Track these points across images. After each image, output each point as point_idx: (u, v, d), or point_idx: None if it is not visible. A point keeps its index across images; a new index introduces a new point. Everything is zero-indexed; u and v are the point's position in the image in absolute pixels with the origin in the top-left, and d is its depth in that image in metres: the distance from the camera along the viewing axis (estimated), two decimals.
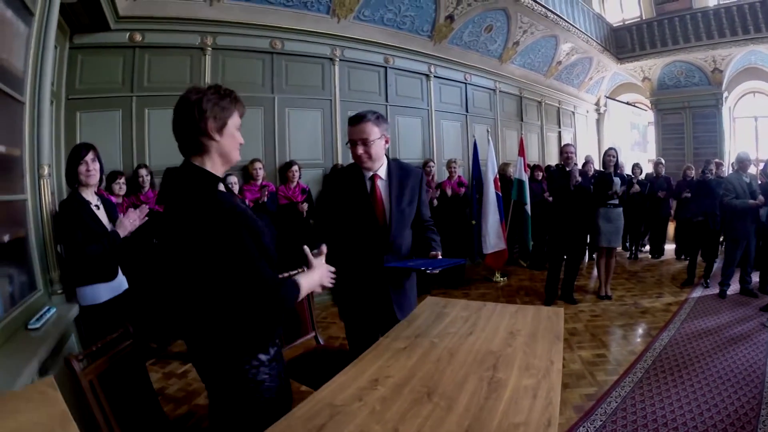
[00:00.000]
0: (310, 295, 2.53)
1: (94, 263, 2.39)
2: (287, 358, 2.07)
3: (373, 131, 2.05)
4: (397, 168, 2.21)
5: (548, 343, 1.80)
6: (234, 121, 1.45)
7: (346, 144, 2.13)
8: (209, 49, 5.01)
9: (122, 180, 3.96)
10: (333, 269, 1.66)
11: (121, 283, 2.63)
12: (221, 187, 1.46)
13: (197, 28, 4.94)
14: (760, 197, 5.11)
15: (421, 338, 1.85)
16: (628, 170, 7.71)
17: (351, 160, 2.19)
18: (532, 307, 2.23)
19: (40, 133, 2.33)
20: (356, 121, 2.06)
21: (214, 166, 1.44)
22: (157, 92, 4.72)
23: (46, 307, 2.19)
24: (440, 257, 2.13)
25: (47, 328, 2.02)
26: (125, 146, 4.59)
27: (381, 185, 2.15)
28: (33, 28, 2.27)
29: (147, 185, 4.35)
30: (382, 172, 2.16)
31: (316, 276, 1.59)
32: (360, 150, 2.05)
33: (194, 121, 1.37)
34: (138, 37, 4.64)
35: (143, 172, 4.36)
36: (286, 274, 1.84)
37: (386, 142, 2.15)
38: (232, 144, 1.45)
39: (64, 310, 2.28)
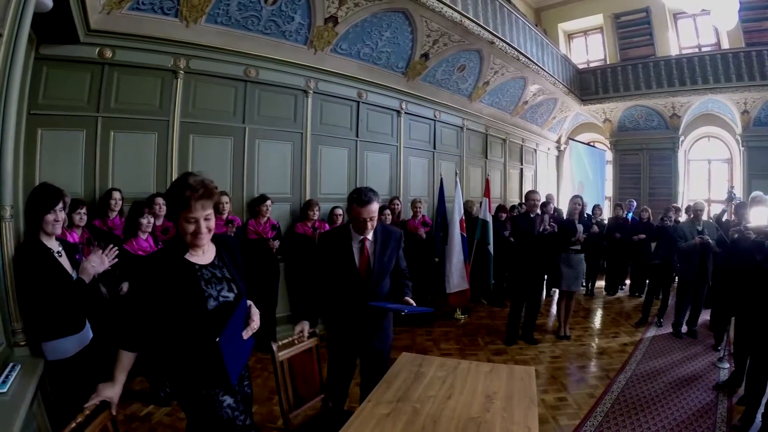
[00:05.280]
0: (319, 357, 2.73)
1: (60, 316, 2.23)
2: (298, 421, 2.45)
3: (377, 208, 2.55)
4: (381, 231, 2.71)
5: (524, 408, 1.85)
6: (186, 214, 1.70)
7: (352, 217, 2.57)
8: (182, 72, 4.83)
9: (83, 210, 3.61)
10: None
11: (87, 332, 2.46)
12: (193, 258, 1.81)
13: (171, 50, 4.75)
14: (706, 237, 5.41)
15: (402, 403, 1.85)
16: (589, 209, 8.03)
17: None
18: (505, 367, 2.28)
19: (2, 168, 2.15)
20: (367, 202, 2.49)
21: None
22: (124, 114, 4.51)
23: (11, 364, 2.01)
24: (412, 303, 2.65)
25: (14, 392, 1.84)
26: (87, 170, 4.30)
27: (369, 246, 2.65)
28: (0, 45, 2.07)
29: (116, 211, 4.09)
30: (371, 235, 2.63)
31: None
32: (370, 225, 2.55)
33: (168, 200, 1.78)
34: (108, 54, 4.39)
35: (117, 195, 4.09)
36: None
37: None
38: (182, 230, 1.74)
39: (29, 367, 2.08)
